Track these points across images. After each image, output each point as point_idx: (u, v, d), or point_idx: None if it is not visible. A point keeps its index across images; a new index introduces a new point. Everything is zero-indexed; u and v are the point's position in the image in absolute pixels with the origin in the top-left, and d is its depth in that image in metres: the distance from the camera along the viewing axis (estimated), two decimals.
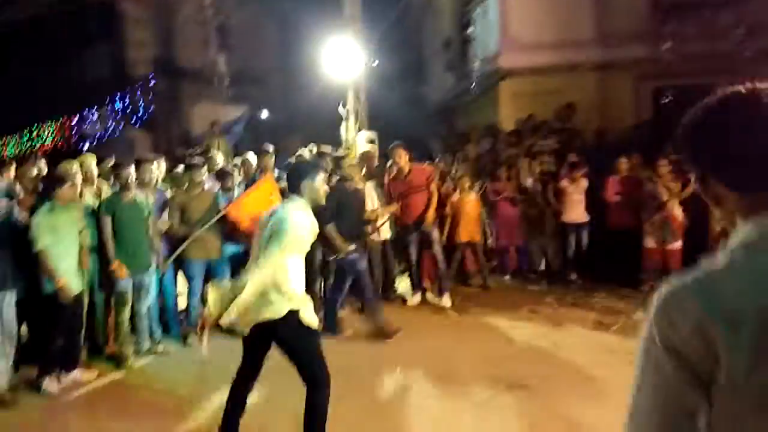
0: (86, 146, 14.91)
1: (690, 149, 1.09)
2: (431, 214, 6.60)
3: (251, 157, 6.80)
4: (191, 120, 15.04)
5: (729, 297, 0.92)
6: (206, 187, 5.88)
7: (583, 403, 3.97)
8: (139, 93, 15.34)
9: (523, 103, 10.05)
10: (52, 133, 16.33)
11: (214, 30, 15.23)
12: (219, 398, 3.68)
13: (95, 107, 15.95)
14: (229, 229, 5.66)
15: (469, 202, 7.22)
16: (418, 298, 6.88)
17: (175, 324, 5.95)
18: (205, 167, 5.88)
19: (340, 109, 9.97)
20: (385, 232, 6.82)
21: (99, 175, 5.85)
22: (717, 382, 0.92)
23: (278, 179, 6.05)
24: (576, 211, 7.43)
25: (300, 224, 3.15)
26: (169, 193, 6.01)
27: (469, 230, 7.16)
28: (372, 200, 6.62)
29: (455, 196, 7.24)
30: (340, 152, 8.07)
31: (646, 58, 9.53)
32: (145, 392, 4.51)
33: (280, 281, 3.08)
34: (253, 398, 3.36)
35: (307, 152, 7.37)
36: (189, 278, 5.75)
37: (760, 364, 0.89)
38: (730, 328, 0.90)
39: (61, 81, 15.44)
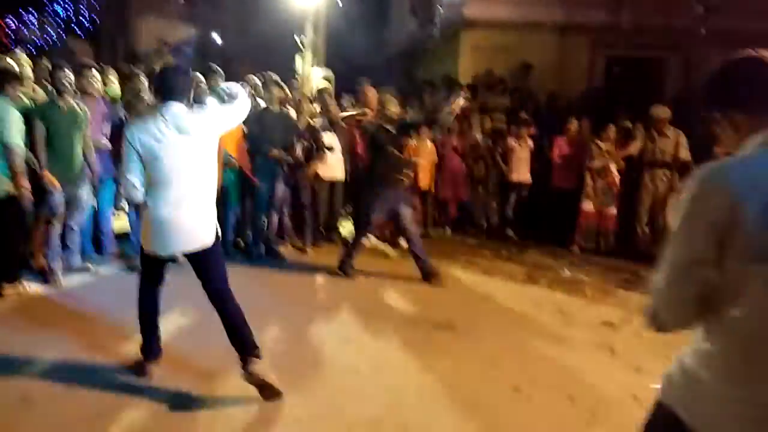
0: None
1: (718, 90, 1.52)
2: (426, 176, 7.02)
3: (199, 76, 6.54)
4: (139, 36, 14.26)
5: (748, 176, 1.32)
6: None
7: (504, 346, 4.19)
8: (83, 1, 14.38)
9: (482, 58, 10.04)
10: None
11: None
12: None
13: (34, 12, 14.88)
14: None
15: (425, 150, 7.27)
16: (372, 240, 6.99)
17: (108, 245, 5.83)
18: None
19: (297, 39, 9.66)
20: (338, 172, 6.80)
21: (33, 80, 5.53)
22: (732, 238, 1.28)
23: None
24: (520, 171, 7.62)
25: None
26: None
27: (422, 178, 7.24)
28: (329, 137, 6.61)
29: (413, 143, 7.26)
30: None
31: (605, 25, 9.64)
32: (73, 312, 4.43)
33: None
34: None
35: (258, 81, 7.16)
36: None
37: (765, 218, 1.27)
38: (748, 196, 1.28)
39: None
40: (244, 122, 4.06)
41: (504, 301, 5.18)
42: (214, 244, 3.25)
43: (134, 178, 3.12)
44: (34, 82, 5.61)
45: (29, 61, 5.56)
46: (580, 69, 10.24)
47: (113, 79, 6.56)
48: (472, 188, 7.87)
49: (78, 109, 4.98)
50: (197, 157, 3.15)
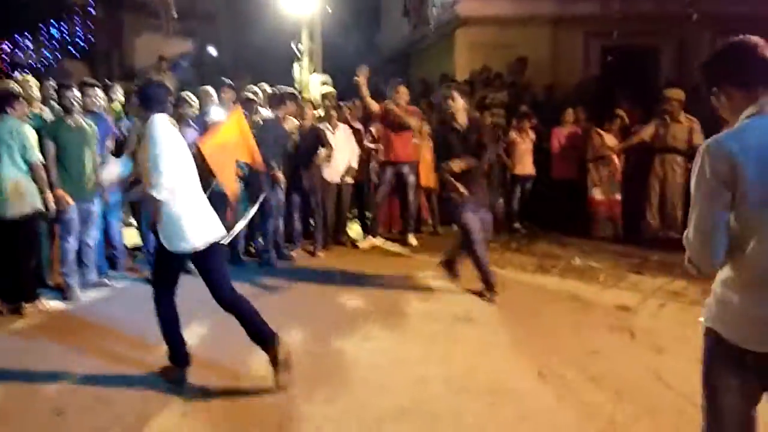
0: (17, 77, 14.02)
1: (717, 66, 1.88)
2: (426, 174, 6.99)
3: (209, 89, 6.61)
4: (134, 53, 14.32)
5: (744, 140, 1.72)
6: None
7: (523, 334, 4.24)
8: (77, 21, 14.43)
9: (479, 54, 10.12)
10: None
11: None
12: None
13: (29, 34, 14.94)
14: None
15: (428, 149, 7.30)
16: (371, 242, 7.03)
17: (121, 259, 5.87)
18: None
19: (294, 48, 9.74)
20: (345, 176, 6.85)
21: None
22: (738, 190, 1.70)
23: None
24: (523, 163, 7.66)
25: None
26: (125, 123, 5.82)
27: (426, 176, 7.28)
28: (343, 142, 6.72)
29: (416, 141, 7.35)
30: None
31: (597, 15, 9.71)
32: (94, 326, 4.46)
33: None
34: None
35: (258, 91, 7.21)
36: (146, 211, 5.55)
37: (761, 172, 1.68)
38: (745, 154, 1.69)
39: None
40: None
41: (518, 292, 5.22)
42: (214, 251, 3.38)
43: (169, 177, 3.28)
44: (41, 102, 5.66)
45: (36, 82, 5.61)
46: (576, 60, 10.32)
47: (120, 95, 6.65)
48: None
49: (86, 126, 5.03)
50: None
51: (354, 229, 7.51)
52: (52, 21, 14.60)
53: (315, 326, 4.41)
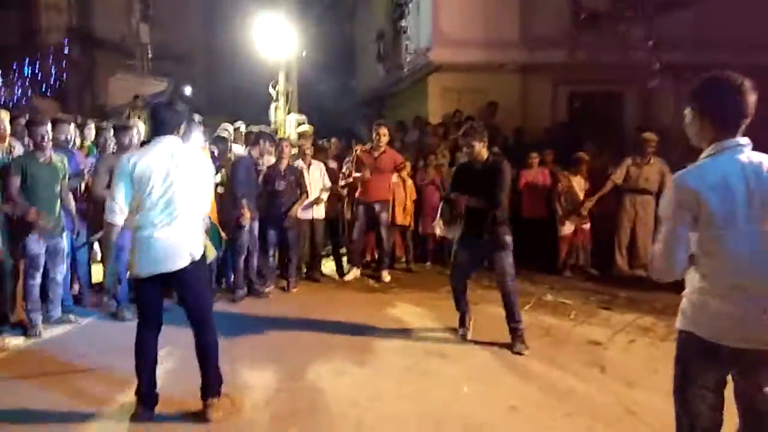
0: None
1: (697, 97, 2.19)
2: (401, 212, 7.12)
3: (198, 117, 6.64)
4: (107, 92, 14.30)
5: (704, 177, 2.07)
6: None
7: (496, 368, 4.25)
8: (51, 60, 14.41)
9: (451, 98, 10.41)
10: None
11: (137, 0, 14.53)
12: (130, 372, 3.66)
13: (0, 73, 14.83)
14: None
15: (406, 188, 7.44)
16: (354, 273, 7.08)
17: (86, 294, 5.74)
18: (133, 131, 5.58)
19: (270, 89, 9.88)
20: (318, 211, 6.88)
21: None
22: (702, 215, 2.07)
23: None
24: None
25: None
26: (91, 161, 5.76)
27: (402, 214, 7.40)
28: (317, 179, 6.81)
29: (393, 179, 7.45)
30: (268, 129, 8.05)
31: (564, 63, 10.11)
32: (56, 362, 4.31)
33: None
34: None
35: (231, 129, 7.26)
36: (119, 247, 5.43)
37: (721, 202, 2.03)
38: (706, 189, 2.05)
39: None
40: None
41: (491, 327, 5.20)
42: (198, 267, 3.35)
43: (120, 201, 3.27)
44: (11, 135, 5.58)
45: (7, 114, 5.55)
46: (544, 105, 10.67)
47: (92, 133, 6.64)
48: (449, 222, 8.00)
49: (57, 162, 4.98)
50: (184, 184, 3.29)
51: (328, 266, 7.49)
52: (25, 59, 14.53)
53: (289, 361, 4.34)
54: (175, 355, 4.20)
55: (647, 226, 7.04)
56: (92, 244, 5.72)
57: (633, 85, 10.54)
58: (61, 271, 5.08)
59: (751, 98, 2.10)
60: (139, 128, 6.73)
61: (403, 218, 7.43)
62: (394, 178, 7.22)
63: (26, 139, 5.37)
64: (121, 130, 5.44)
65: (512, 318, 4.67)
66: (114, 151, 5.61)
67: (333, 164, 7.43)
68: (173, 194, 3.25)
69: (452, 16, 10.24)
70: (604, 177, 7.36)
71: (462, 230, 4.84)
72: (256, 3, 11.38)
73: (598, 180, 7.41)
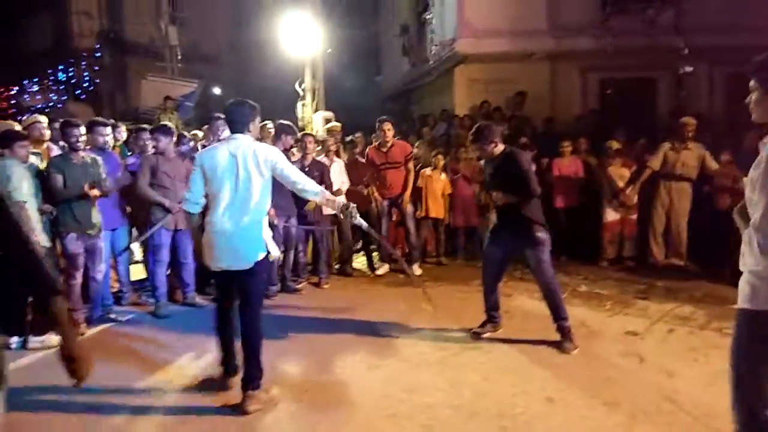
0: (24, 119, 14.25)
1: (763, 68, 2.13)
2: (408, 195, 6.89)
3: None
4: (139, 95, 14.57)
5: None
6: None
7: (532, 359, 4.21)
8: (83, 65, 14.76)
9: (478, 90, 10.32)
10: None
11: (166, 3, 14.76)
12: (176, 366, 3.72)
13: (36, 79, 15.26)
14: None
15: (438, 180, 7.43)
16: (386, 268, 7.11)
17: (126, 293, 5.88)
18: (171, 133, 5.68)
19: (297, 87, 9.94)
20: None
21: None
22: None
23: None
24: None
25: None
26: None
27: (435, 207, 7.40)
28: (336, 175, 6.80)
29: (427, 172, 7.47)
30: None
31: (593, 50, 9.92)
32: (98, 358, 4.42)
33: None
34: None
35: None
36: (156, 246, 5.53)
37: None
38: None
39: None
40: None
41: (525, 318, 5.19)
42: (261, 265, 3.51)
43: (195, 193, 3.54)
44: (50, 141, 5.76)
45: (46, 120, 5.73)
46: (573, 93, 10.50)
47: (124, 135, 6.80)
48: (480, 214, 7.95)
49: (91, 162, 5.10)
50: (251, 182, 3.45)
51: (360, 261, 7.52)
52: (59, 66, 14.93)
53: (322, 355, 4.38)
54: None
55: (683, 213, 6.87)
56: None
57: (665, 71, 10.31)
58: (101, 270, 5.20)
59: None
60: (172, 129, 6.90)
61: (437, 211, 7.43)
62: (428, 171, 7.22)
63: (61, 143, 5.54)
64: (158, 131, 5.62)
65: (557, 315, 4.53)
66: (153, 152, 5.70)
67: (362, 159, 7.44)
68: (240, 192, 3.43)
69: (477, 5, 10.13)
70: (639, 164, 7.21)
71: (493, 225, 4.81)
72: (282, 2, 11.47)
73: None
